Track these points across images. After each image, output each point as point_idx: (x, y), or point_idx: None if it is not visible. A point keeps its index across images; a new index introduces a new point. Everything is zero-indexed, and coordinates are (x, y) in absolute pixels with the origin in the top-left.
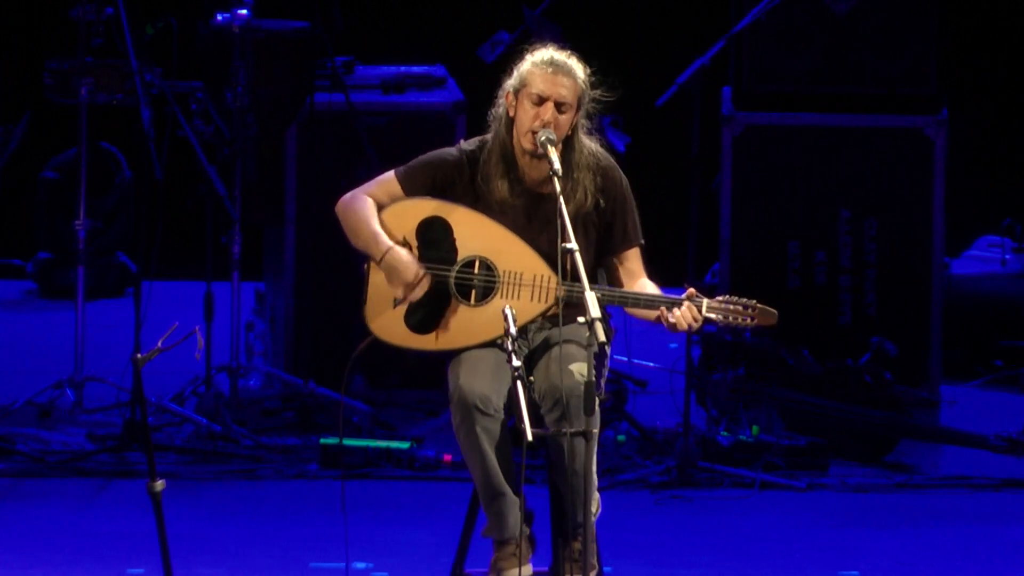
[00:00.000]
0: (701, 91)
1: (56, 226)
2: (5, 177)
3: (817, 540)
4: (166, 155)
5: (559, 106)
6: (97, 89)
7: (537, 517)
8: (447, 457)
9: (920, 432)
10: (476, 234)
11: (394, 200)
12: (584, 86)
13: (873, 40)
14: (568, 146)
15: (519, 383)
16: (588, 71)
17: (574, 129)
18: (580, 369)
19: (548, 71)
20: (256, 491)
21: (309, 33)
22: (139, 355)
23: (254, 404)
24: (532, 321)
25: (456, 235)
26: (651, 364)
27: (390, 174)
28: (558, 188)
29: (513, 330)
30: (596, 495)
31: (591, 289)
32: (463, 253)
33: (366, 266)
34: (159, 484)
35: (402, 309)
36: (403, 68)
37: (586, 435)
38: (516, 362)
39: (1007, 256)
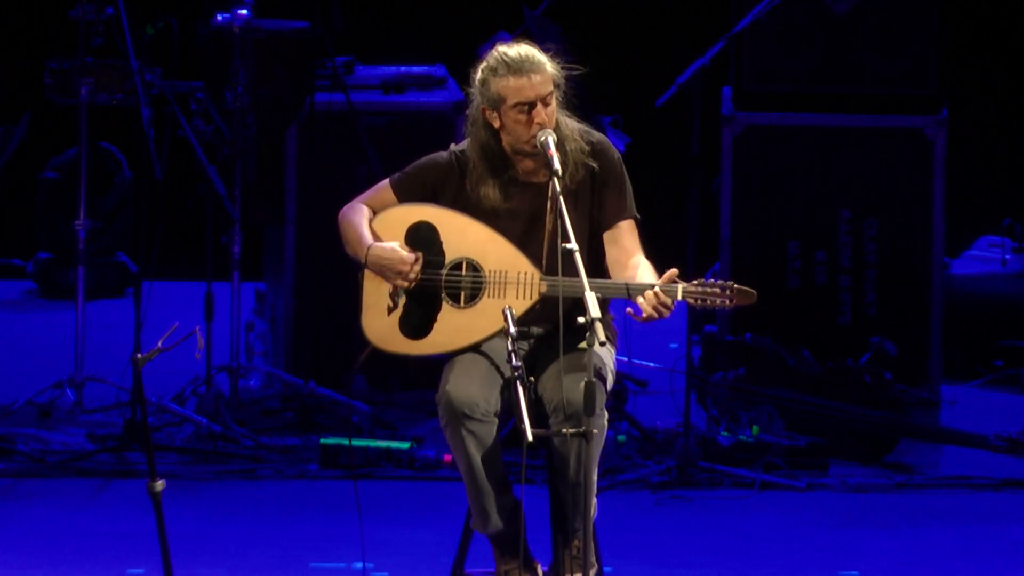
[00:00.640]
0: (701, 91)
1: (56, 226)
2: (5, 177)
3: (817, 540)
4: (166, 155)
5: (543, 100)
6: (97, 89)
7: (537, 517)
8: (447, 457)
9: (920, 432)
10: (462, 236)
11: (387, 208)
12: (552, 69)
13: (873, 40)
14: (555, 127)
15: (519, 383)
16: (541, 50)
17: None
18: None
19: (520, 78)
20: (256, 491)
21: (309, 33)
22: (139, 355)
23: (254, 404)
24: (520, 318)
25: (443, 238)
26: (651, 364)
27: (385, 182)
28: (558, 188)
29: (513, 330)
30: (593, 501)
31: (590, 292)
32: (450, 256)
33: (360, 276)
34: (159, 484)
35: (396, 317)
36: (403, 68)
37: (586, 435)
38: (516, 362)
39: (1007, 256)
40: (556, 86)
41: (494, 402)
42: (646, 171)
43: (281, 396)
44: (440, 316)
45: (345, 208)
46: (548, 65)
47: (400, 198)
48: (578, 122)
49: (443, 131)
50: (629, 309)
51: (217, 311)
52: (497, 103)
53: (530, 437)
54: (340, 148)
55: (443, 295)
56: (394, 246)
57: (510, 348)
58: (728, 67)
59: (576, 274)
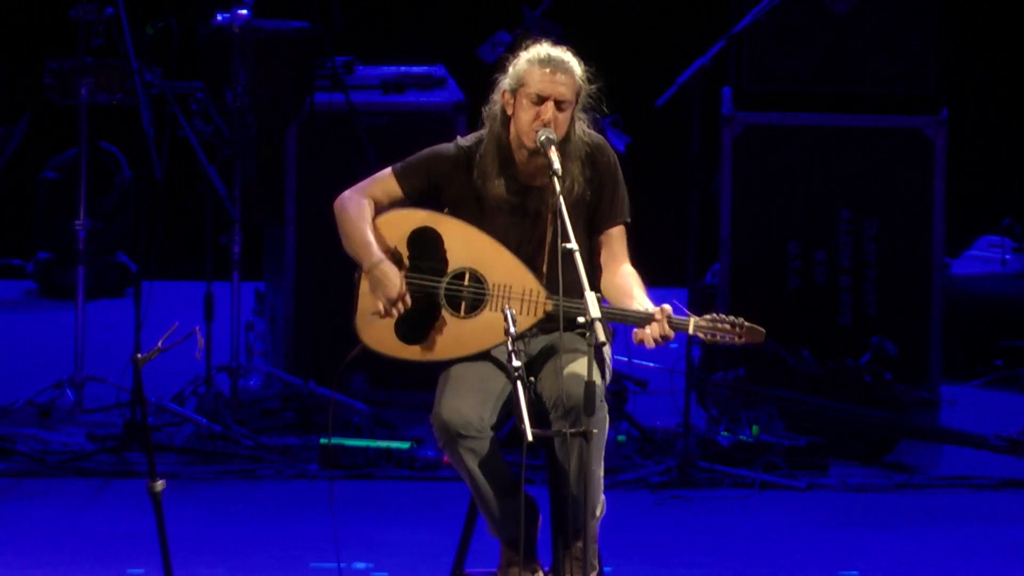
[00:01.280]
0: (701, 91)
1: (56, 226)
2: (5, 177)
3: (817, 540)
4: (166, 155)
5: (559, 104)
6: (97, 89)
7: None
8: (447, 457)
9: (920, 432)
10: (466, 245)
11: (391, 198)
12: (582, 82)
13: (873, 40)
14: (564, 139)
15: (519, 383)
16: (584, 66)
17: (571, 123)
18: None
19: (546, 70)
20: (256, 491)
21: (309, 33)
22: (139, 355)
23: (254, 404)
24: (522, 335)
25: (447, 246)
26: (651, 364)
27: (387, 171)
28: (558, 188)
29: (513, 330)
30: (601, 497)
31: (590, 292)
32: (453, 265)
33: (356, 275)
34: (159, 484)
35: (392, 319)
36: (403, 68)
37: (586, 435)
38: (516, 362)
39: (1007, 256)
40: (578, 101)
41: (488, 417)
42: (646, 171)
43: (281, 396)
44: (437, 324)
45: (345, 196)
46: (578, 76)
47: (404, 188)
48: (583, 128)
49: (443, 131)
50: (639, 338)
51: (217, 311)
52: (517, 87)
53: (530, 437)
54: (340, 148)
55: (442, 303)
56: (400, 278)
57: (510, 348)
58: (728, 67)
59: (576, 274)
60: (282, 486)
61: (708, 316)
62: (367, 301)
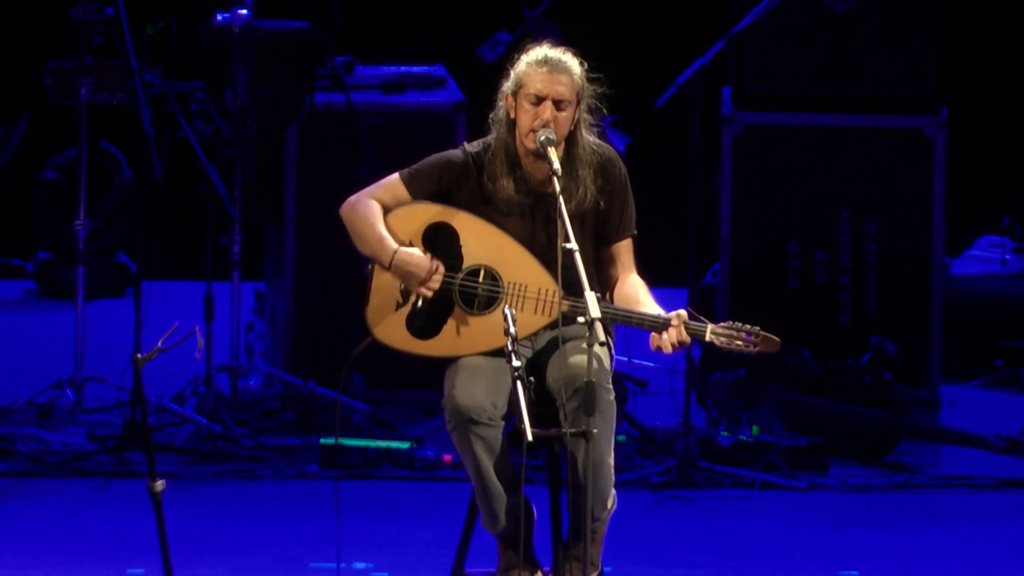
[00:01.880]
0: (701, 91)
1: (56, 226)
2: (5, 177)
3: (817, 540)
4: (166, 155)
5: (557, 104)
6: (97, 89)
7: (537, 518)
8: (447, 457)
9: (920, 432)
10: (482, 243)
11: (399, 203)
12: (581, 81)
13: (873, 40)
14: (571, 142)
15: (519, 383)
16: (585, 66)
17: (576, 125)
18: (597, 352)
19: (544, 70)
20: (256, 491)
21: (309, 33)
22: (139, 355)
23: (254, 404)
24: (534, 334)
25: (462, 242)
26: (651, 364)
27: (395, 176)
28: (558, 188)
29: (513, 330)
30: (612, 491)
31: (590, 292)
32: (468, 261)
33: (369, 267)
34: (159, 484)
35: (404, 313)
36: (403, 68)
37: (586, 435)
38: (516, 362)
39: (1007, 256)
40: (579, 102)
41: (500, 406)
42: (646, 171)
43: (281, 396)
44: (451, 319)
45: (352, 201)
46: (577, 77)
47: (412, 194)
48: (594, 140)
49: (443, 131)
50: (656, 344)
51: (217, 311)
52: (516, 89)
53: (530, 437)
54: (340, 148)
55: (457, 299)
56: (421, 254)
57: (510, 348)
58: (728, 67)
59: (576, 274)
60: (282, 486)
61: (724, 324)
62: (379, 295)
